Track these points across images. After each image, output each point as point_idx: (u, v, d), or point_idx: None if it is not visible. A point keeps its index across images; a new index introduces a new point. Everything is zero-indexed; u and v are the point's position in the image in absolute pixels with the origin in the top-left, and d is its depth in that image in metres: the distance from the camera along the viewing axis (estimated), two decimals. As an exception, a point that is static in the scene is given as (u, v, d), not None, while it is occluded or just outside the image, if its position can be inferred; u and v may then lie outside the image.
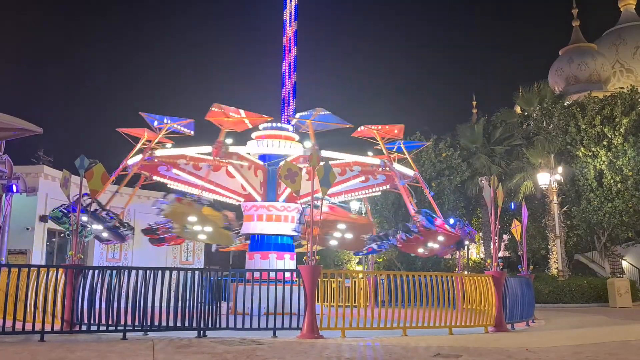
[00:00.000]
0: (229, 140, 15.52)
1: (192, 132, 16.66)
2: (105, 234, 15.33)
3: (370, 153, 16.91)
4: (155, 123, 16.17)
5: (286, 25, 18.57)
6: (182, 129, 16.48)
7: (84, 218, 13.79)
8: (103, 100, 69.21)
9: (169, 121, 16.10)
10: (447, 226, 14.54)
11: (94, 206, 14.22)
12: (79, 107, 67.22)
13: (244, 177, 16.58)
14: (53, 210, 14.62)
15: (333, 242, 15.66)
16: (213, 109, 15.18)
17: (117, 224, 15.07)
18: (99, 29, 76.50)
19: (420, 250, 15.71)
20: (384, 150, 16.33)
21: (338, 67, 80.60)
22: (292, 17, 18.60)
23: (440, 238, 14.70)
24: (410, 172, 17.29)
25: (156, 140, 16.08)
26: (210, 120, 15.63)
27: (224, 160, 16.12)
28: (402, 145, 17.51)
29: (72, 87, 70.63)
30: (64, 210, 14.15)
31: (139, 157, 15.90)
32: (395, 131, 16.75)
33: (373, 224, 16.23)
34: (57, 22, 73.08)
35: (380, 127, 16.61)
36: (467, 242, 17.29)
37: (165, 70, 76.68)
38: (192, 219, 13.92)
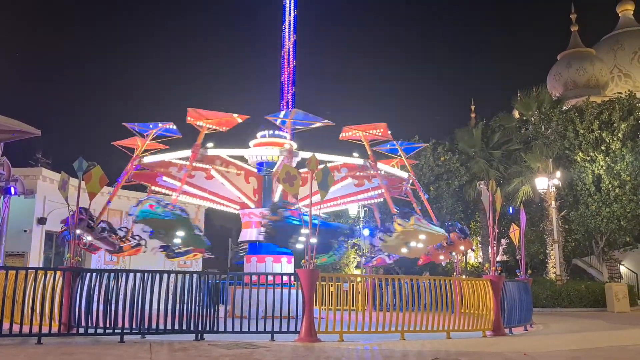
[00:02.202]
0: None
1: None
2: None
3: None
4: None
5: (285, 26, 18.65)
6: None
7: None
8: (102, 103, 69.22)
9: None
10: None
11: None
12: (77, 110, 67.22)
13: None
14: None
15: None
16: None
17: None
18: (99, 32, 76.58)
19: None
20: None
21: (337, 71, 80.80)
22: (291, 22, 18.67)
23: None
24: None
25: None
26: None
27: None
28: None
29: (71, 90, 70.64)
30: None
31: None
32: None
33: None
34: (57, 25, 73.14)
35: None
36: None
37: (165, 72, 76.74)
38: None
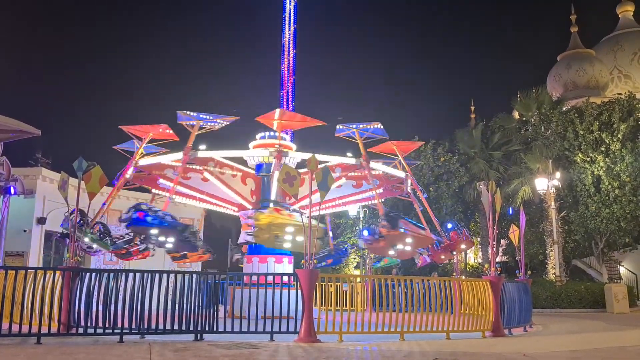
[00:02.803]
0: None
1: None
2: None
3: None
4: (193, 122, 15.61)
5: (285, 28, 18.64)
6: (223, 122, 15.84)
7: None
8: (102, 103, 69.23)
9: (210, 118, 15.51)
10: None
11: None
12: (77, 110, 67.24)
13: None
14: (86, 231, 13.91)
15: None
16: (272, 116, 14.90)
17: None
18: (99, 32, 76.58)
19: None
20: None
21: (336, 72, 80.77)
22: (291, 19, 18.66)
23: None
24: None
25: (192, 141, 15.44)
26: (261, 121, 15.46)
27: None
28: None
29: (71, 90, 70.64)
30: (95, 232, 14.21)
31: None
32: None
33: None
34: (57, 25, 73.14)
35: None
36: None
37: (165, 72, 76.76)
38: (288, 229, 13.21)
